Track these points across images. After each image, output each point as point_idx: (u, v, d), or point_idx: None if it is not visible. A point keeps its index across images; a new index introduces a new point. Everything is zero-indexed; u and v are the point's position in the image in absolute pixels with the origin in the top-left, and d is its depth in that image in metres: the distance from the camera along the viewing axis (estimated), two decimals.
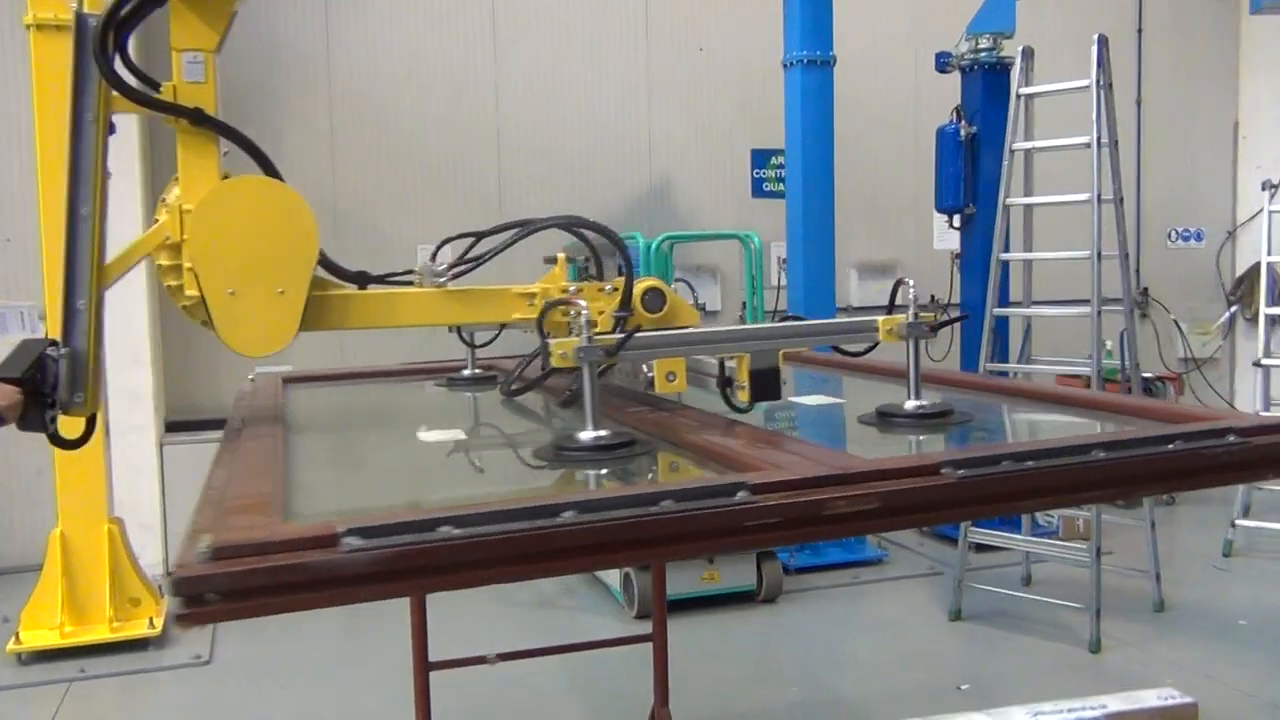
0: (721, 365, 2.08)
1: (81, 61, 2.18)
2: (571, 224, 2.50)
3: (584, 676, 4.78)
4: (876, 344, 2.11)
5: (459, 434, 2.24)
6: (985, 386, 2.42)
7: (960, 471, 1.41)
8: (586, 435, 1.80)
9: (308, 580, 1.14)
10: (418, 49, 7.32)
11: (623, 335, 1.88)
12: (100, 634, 5.21)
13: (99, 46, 2.15)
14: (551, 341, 1.83)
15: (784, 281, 6.73)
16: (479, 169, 7.45)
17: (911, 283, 2.03)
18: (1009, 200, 5.34)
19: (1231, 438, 1.61)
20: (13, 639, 5.15)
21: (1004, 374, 5.68)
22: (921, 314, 2.02)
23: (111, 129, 2.32)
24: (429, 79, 7.34)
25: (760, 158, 7.63)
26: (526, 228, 2.46)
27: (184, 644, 5.33)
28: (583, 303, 1.92)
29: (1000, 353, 5.85)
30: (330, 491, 1.85)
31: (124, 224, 5.49)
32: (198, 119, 2.22)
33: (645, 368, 2.38)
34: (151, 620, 5.34)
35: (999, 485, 1.42)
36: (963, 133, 6.26)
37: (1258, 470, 1.63)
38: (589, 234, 2.55)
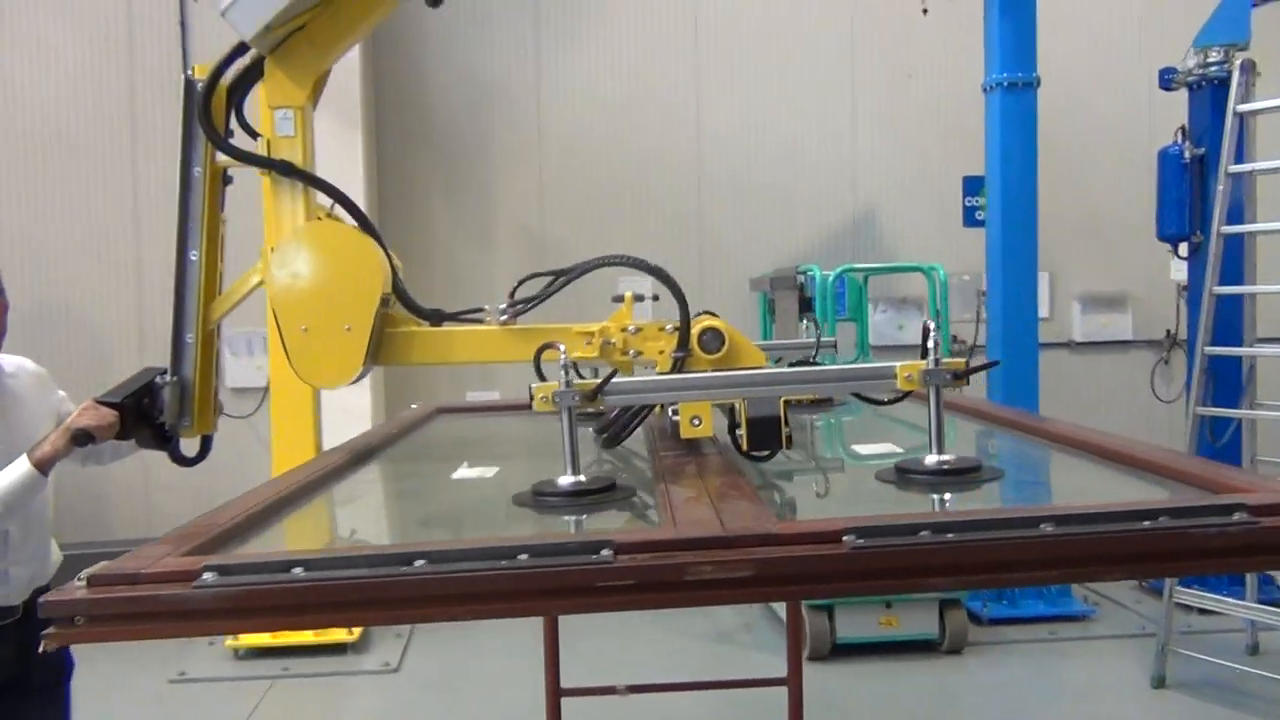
0: (732, 410, 2.03)
1: (189, 121, 2.42)
2: (624, 264, 2.51)
3: (740, 716, 4.73)
4: (904, 395, 2.00)
5: (491, 471, 2.30)
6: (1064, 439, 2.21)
7: (860, 541, 1.32)
8: (565, 480, 1.81)
9: (160, 611, 1.23)
10: (623, 85, 7.54)
11: (602, 380, 1.88)
12: (305, 637, 5.66)
13: (203, 108, 2.38)
14: (533, 386, 1.86)
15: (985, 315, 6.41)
16: (680, 201, 7.56)
17: (933, 324, 1.91)
18: (1224, 228, 4.85)
19: (1238, 516, 1.41)
20: (233, 636, 5.69)
21: (1223, 421, 5.16)
22: (945, 361, 1.90)
23: (228, 180, 2.57)
24: (633, 114, 7.55)
25: (973, 185, 7.29)
26: (576, 270, 2.50)
27: (377, 651, 5.71)
28: (562, 346, 1.93)
29: (1224, 396, 5.28)
30: (317, 524, 1.95)
31: None
32: (285, 170, 2.40)
33: (670, 411, 2.37)
34: (351, 628, 5.75)
35: (902, 558, 1.31)
36: (1187, 154, 5.74)
37: (1262, 557, 1.42)
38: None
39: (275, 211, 2.46)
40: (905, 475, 1.88)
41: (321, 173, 7.12)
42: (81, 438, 2.39)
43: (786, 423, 2.03)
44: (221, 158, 2.46)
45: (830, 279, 5.58)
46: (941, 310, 5.75)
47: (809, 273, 5.67)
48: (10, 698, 2.82)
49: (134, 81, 7.24)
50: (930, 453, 1.87)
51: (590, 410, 2.45)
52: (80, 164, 7.43)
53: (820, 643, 5.33)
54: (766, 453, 2.06)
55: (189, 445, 2.64)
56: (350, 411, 6.83)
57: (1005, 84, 5.73)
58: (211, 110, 2.41)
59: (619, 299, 2.58)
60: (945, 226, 7.35)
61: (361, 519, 2.03)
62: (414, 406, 3.72)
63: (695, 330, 2.36)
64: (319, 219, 2.48)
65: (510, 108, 7.53)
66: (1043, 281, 7.70)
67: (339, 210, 2.59)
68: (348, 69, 6.90)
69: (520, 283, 2.65)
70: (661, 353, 2.38)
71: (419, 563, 1.25)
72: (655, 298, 2.52)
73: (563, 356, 1.86)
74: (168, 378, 2.43)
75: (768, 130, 7.55)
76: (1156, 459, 1.87)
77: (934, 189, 7.47)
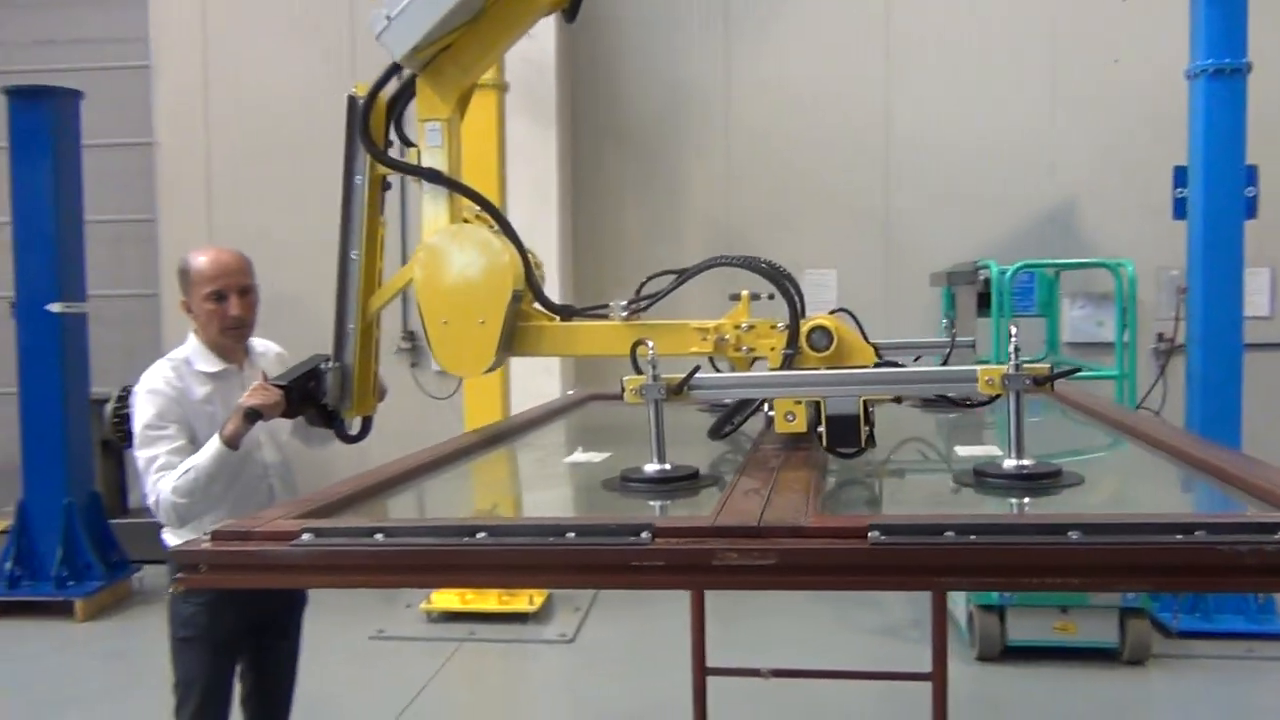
0: (817, 407, 2.12)
1: (351, 134, 2.71)
2: (738, 264, 2.61)
3: (892, 710, 4.73)
4: (990, 399, 2.03)
5: (601, 457, 2.46)
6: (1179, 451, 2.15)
7: (882, 537, 1.40)
8: (650, 468, 1.96)
9: (265, 564, 1.47)
10: (811, 79, 7.55)
11: (685, 376, 2.01)
12: (491, 604, 6.05)
13: (362, 123, 2.66)
14: (625, 379, 2.01)
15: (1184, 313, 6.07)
16: (866, 193, 7.51)
17: (1015, 330, 1.93)
18: None
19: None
20: (427, 599, 6.15)
21: None
22: (1027, 366, 1.92)
23: (386, 185, 2.84)
24: (820, 106, 7.55)
25: (1184, 176, 6.90)
26: (693, 270, 2.62)
27: (555, 623, 6.03)
28: (650, 342, 2.07)
29: None
30: (420, 497, 2.16)
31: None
32: (431, 177, 2.64)
33: (766, 406, 2.46)
34: (531, 598, 6.10)
35: (922, 557, 1.37)
36: None
37: None
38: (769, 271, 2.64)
39: (426, 216, 2.72)
40: (982, 478, 1.92)
41: (516, 167, 7.55)
42: (252, 415, 2.75)
43: (869, 421, 2.10)
44: (379, 167, 2.73)
45: (1008, 274, 5.44)
46: (1129, 309, 5.50)
47: (987, 267, 5.55)
48: (267, 636, 3.34)
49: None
50: (1009, 456, 1.91)
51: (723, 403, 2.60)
52: (307, 167, 8.12)
53: (990, 644, 5.24)
54: (851, 450, 2.13)
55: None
56: (542, 395, 7.19)
57: (1211, 70, 5.41)
58: (370, 124, 2.68)
59: (735, 297, 2.68)
60: (1150, 219, 6.98)
61: (460, 494, 2.25)
62: (570, 393, 3.94)
63: (805, 328, 2.44)
64: (465, 221, 2.70)
65: (700, 103, 7.69)
66: (1264, 277, 7.22)
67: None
68: (542, 72, 7.25)
69: (645, 281, 2.80)
70: (773, 349, 2.47)
71: (480, 535, 1.43)
72: (770, 296, 2.60)
73: (650, 352, 2.00)
74: (331, 364, 2.72)
75: (960, 120, 7.39)
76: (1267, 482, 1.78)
77: (1139, 179, 7.11)
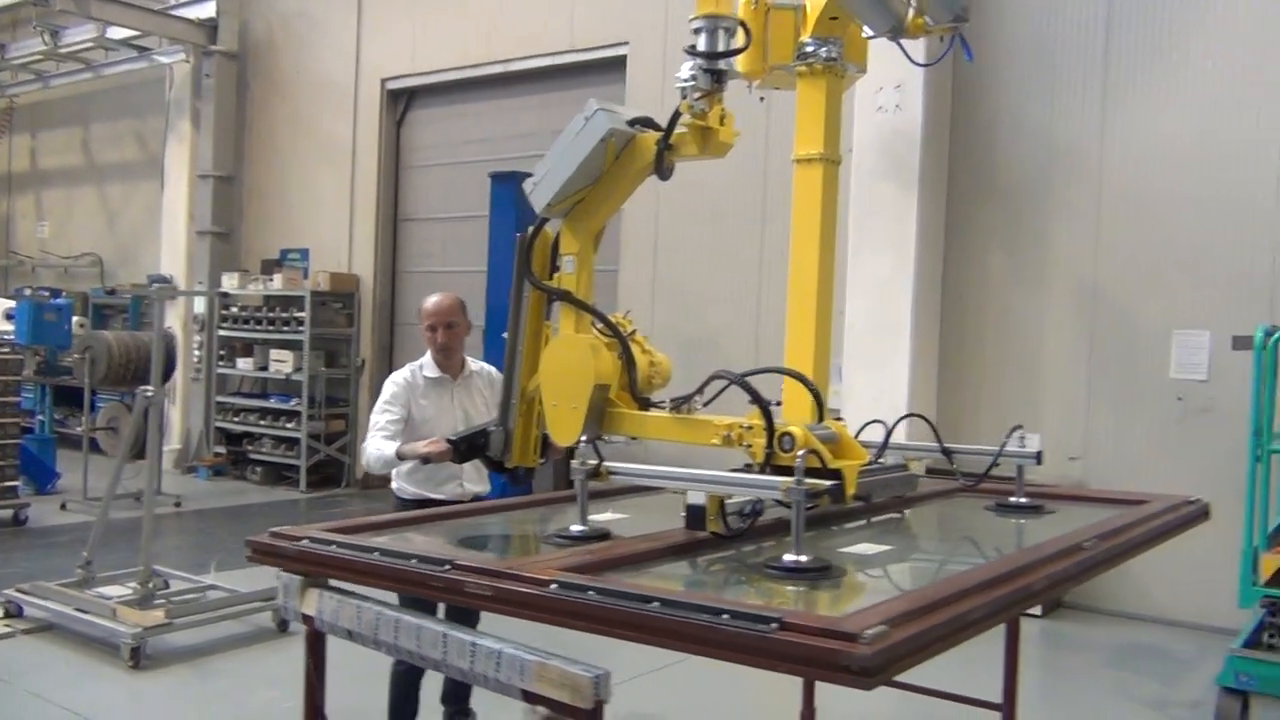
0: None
1: (520, 263, 3.79)
2: (734, 380, 3.23)
3: None
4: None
5: (617, 516, 3.30)
6: None
7: (554, 587, 2.17)
8: (789, 558, 2.43)
9: (298, 556, 2.63)
10: (1191, 134, 7.24)
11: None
12: None
13: (524, 257, 3.75)
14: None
15: None
16: (1249, 255, 7.01)
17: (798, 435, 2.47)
18: None
19: (773, 625, 1.93)
20: None
21: None
22: (806, 482, 2.48)
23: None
24: (1200, 163, 7.20)
25: None
26: (736, 376, 3.23)
27: None
28: (585, 436, 2.90)
29: None
30: (450, 531, 3.19)
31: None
32: (562, 297, 3.64)
33: None
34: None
35: (567, 606, 2.10)
36: None
37: (785, 663, 1.85)
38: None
39: (560, 326, 3.73)
40: (767, 569, 2.51)
41: (876, 231, 8.50)
42: (424, 460, 3.99)
43: (746, 514, 2.75)
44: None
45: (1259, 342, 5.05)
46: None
47: None
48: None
49: (767, 167, 8.87)
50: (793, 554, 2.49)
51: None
52: (725, 229, 9.42)
53: None
54: (712, 532, 2.74)
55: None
56: None
57: None
58: (532, 257, 3.75)
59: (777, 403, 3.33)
60: None
61: (482, 534, 3.24)
62: None
63: (778, 434, 3.07)
64: (587, 331, 3.65)
65: (1072, 163, 7.71)
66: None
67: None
68: (908, 143, 7.82)
69: (707, 381, 3.49)
70: (754, 448, 3.12)
71: (653, 604, 2.42)
72: (778, 403, 3.21)
73: (588, 445, 2.85)
74: (496, 427, 3.83)
75: None
76: None
77: None
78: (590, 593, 2.06)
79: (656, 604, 1.97)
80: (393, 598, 2.64)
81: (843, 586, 2.30)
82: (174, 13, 13.24)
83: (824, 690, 4.37)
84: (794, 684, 4.41)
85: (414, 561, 2.40)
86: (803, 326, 7.55)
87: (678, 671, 6.07)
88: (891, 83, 7.67)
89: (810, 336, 7.41)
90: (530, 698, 2.19)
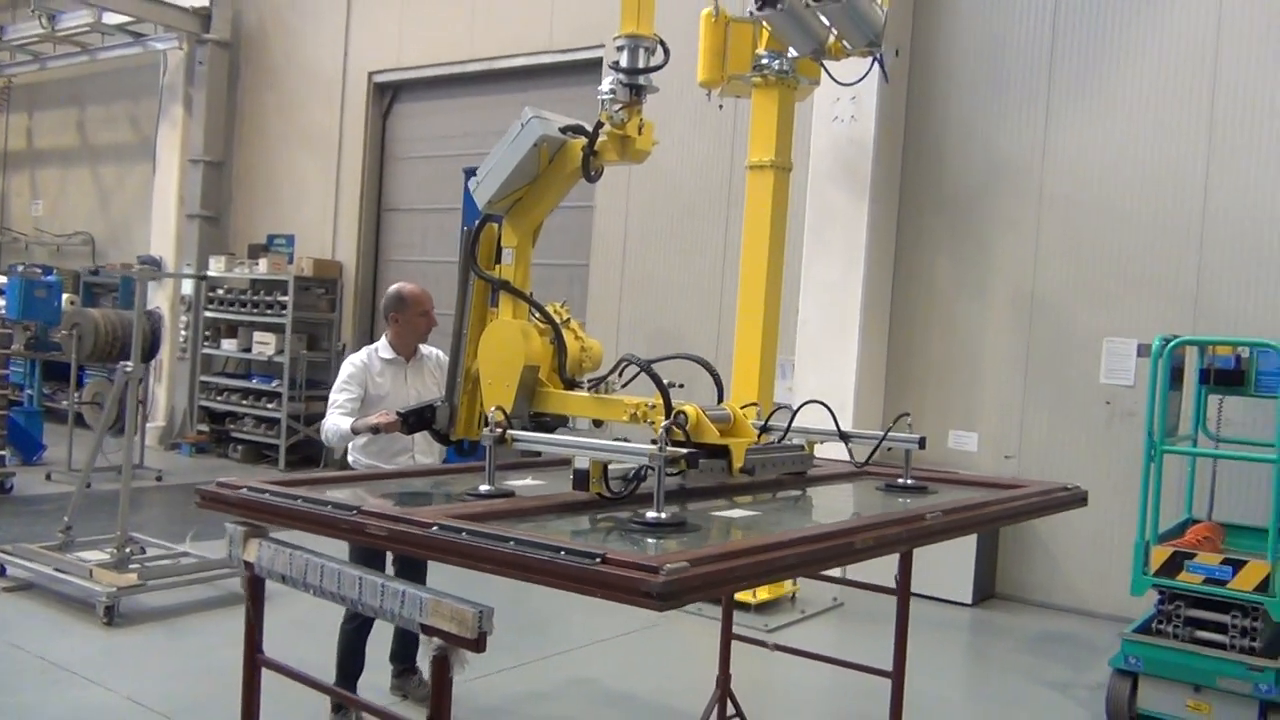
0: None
1: (464, 254, 4.16)
2: (687, 358, 3.63)
3: None
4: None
5: (537, 482, 3.69)
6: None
7: (435, 529, 2.56)
8: (650, 514, 2.73)
9: (235, 502, 3.01)
10: (1127, 150, 7.66)
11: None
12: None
13: (469, 248, 4.13)
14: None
15: None
16: (1176, 266, 7.44)
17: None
18: None
19: (598, 561, 2.33)
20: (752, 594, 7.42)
21: None
22: (668, 450, 2.87)
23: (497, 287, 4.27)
24: (1134, 179, 7.62)
25: None
26: (644, 362, 3.61)
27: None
28: (495, 409, 3.28)
29: None
30: (392, 485, 3.57)
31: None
32: (502, 286, 4.01)
33: None
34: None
35: (439, 545, 2.49)
36: None
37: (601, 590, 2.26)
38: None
39: (498, 314, 4.10)
40: (631, 524, 2.87)
41: (830, 235, 8.96)
42: (373, 429, 4.38)
43: (631, 478, 3.12)
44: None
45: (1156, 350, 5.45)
46: None
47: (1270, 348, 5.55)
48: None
49: (733, 167, 9.26)
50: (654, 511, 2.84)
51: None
52: (693, 225, 9.81)
53: (1119, 709, 5.41)
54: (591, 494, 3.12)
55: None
56: None
57: None
58: (477, 250, 4.13)
59: (672, 385, 3.72)
60: None
61: (406, 491, 3.63)
62: None
63: (675, 411, 3.46)
64: (524, 317, 4.03)
65: (1015, 176, 8.13)
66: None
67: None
68: (861, 152, 8.22)
69: (618, 364, 3.86)
70: (655, 424, 3.50)
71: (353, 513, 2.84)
72: (681, 385, 3.61)
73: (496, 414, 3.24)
74: (442, 403, 4.21)
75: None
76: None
77: None
78: (463, 534, 2.44)
79: (511, 543, 2.34)
80: (344, 553, 3.01)
81: (688, 538, 2.67)
82: (169, 1, 13.58)
83: (738, 659, 4.79)
84: (712, 653, 4.82)
85: (329, 508, 2.79)
86: (751, 322, 8.07)
87: (613, 645, 6.51)
88: (847, 94, 8.06)
89: (758, 331, 7.94)
90: (427, 630, 2.57)
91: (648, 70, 3.74)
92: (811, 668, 5.26)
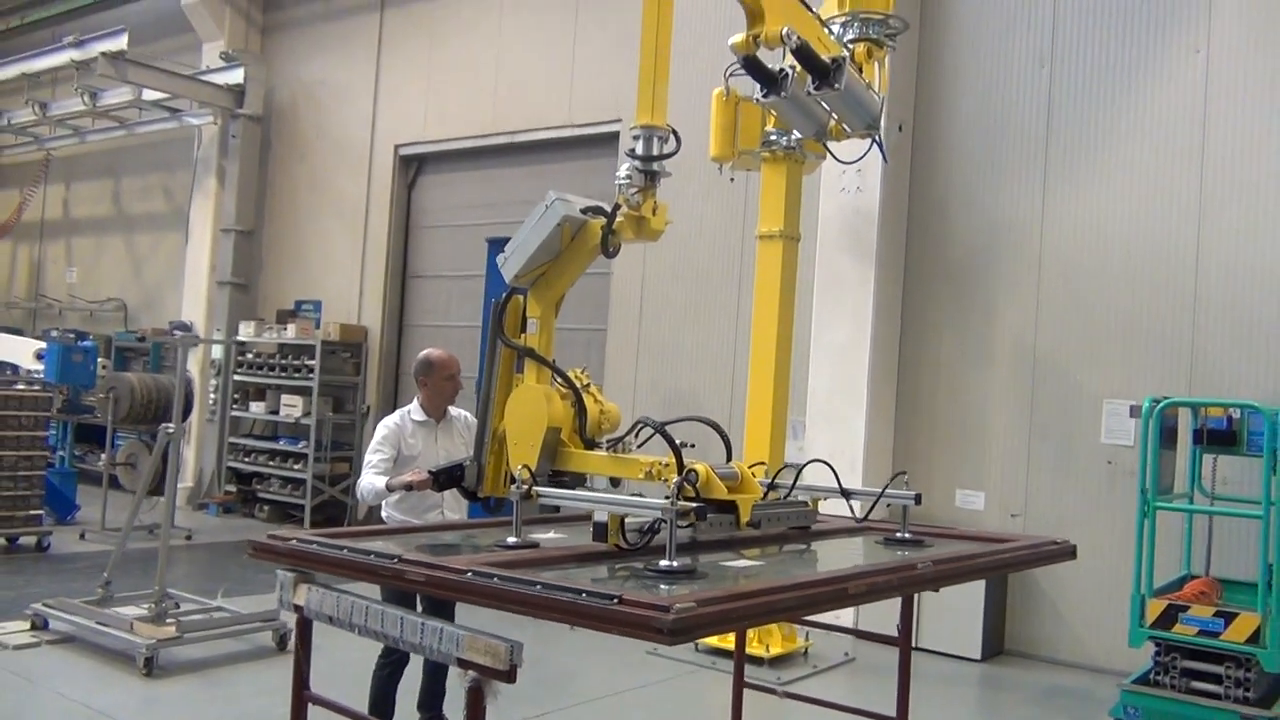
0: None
1: (494, 324, 4.51)
2: (655, 427, 3.94)
3: None
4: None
5: (558, 535, 3.98)
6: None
7: (469, 575, 2.86)
8: (663, 563, 3.04)
9: (286, 552, 3.32)
10: (1123, 216, 8.01)
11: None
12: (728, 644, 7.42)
13: (497, 320, 4.47)
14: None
15: None
16: (1171, 329, 7.73)
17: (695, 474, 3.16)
18: None
19: (615, 600, 2.63)
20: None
21: None
22: (680, 505, 3.17)
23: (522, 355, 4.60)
24: (1130, 243, 7.96)
25: None
26: (659, 424, 3.92)
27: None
28: (520, 468, 3.59)
29: None
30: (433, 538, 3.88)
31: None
32: (528, 354, 4.34)
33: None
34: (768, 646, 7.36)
35: (468, 589, 2.79)
36: None
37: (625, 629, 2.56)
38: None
39: (525, 378, 4.43)
40: (646, 571, 3.16)
41: (839, 299, 9.29)
42: (407, 487, 4.70)
43: (622, 531, 3.40)
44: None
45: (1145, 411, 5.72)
46: None
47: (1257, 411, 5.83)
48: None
49: (744, 236, 9.63)
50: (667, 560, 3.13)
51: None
52: (706, 292, 10.17)
53: None
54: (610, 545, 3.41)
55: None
56: None
57: None
58: (504, 320, 4.47)
59: (684, 445, 4.03)
60: None
61: (438, 544, 3.93)
62: None
63: (686, 471, 3.75)
64: (542, 384, 4.35)
65: (1015, 241, 8.47)
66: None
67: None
68: (867, 221, 8.58)
69: (634, 425, 4.16)
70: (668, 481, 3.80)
71: (536, 587, 3.14)
72: (692, 445, 3.91)
73: (523, 473, 3.55)
74: (470, 462, 4.52)
75: (1272, 255, 7.37)
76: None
77: None
78: (495, 579, 2.74)
79: (538, 586, 2.64)
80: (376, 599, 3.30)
81: (698, 584, 2.96)
82: (205, 79, 14.20)
83: (751, 711, 5.04)
84: (726, 705, 5.07)
85: (371, 556, 3.10)
86: (762, 384, 8.40)
87: (631, 697, 6.74)
88: (854, 166, 8.44)
89: (769, 393, 8.27)
90: (463, 664, 2.86)
91: (661, 157, 4.09)
92: (821, 715, 5.47)
